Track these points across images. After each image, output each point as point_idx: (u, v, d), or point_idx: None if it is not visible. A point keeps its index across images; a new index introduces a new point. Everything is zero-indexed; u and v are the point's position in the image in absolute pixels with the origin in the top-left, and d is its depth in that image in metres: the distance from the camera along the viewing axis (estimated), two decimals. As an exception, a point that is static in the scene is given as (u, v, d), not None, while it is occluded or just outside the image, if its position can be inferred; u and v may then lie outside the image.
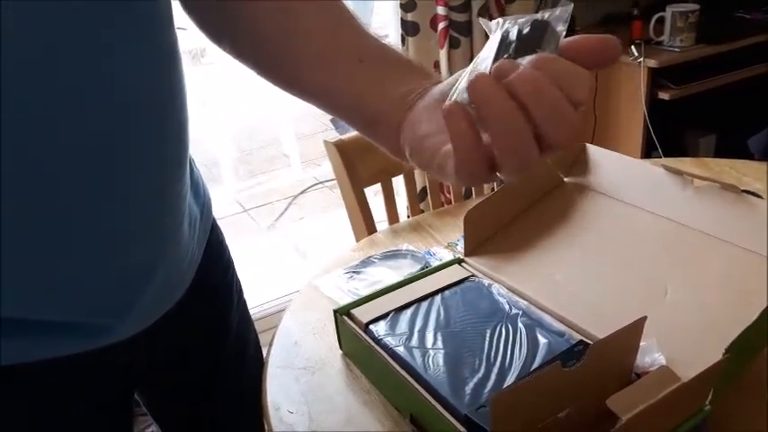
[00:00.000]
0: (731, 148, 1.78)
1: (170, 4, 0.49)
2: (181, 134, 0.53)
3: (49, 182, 0.43)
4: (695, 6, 1.81)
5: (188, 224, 0.61)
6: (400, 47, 1.70)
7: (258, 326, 0.84)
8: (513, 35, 0.36)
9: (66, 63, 0.41)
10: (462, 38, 1.75)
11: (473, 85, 0.34)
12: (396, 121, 0.45)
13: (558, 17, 0.35)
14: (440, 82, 0.44)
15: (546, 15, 0.35)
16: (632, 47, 1.82)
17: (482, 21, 0.40)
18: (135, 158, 0.48)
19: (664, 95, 1.83)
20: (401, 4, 1.72)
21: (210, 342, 0.73)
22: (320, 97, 0.50)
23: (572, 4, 0.35)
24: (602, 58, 0.34)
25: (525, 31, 0.35)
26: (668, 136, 1.90)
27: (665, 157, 1.70)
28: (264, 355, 0.75)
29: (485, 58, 0.37)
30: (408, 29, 1.75)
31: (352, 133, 1.12)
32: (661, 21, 1.83)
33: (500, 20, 0.37)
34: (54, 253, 0.47)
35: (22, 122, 0.40)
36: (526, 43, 0.35)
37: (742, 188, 0.69)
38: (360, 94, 0.48)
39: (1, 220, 0.42)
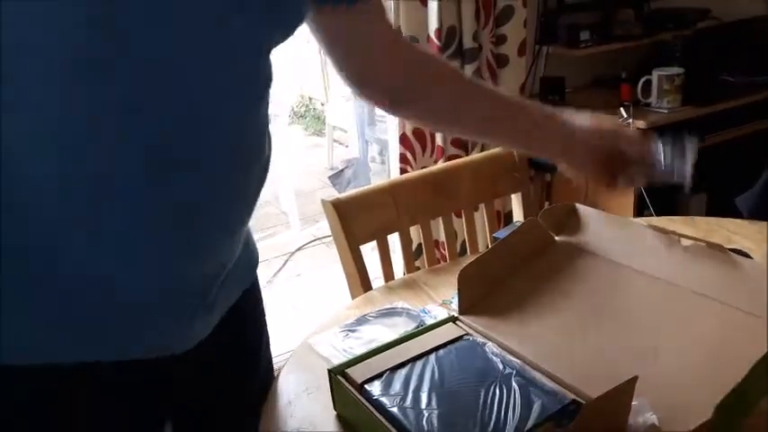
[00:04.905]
0: (722, 206, 1.80)
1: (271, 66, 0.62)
2: (263, 159, 0.64)
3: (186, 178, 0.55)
4: (680, 70, 1.88)
5: (242, 250, 0.69)
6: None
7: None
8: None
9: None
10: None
11: None
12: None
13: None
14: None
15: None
16: (621, 108, 1.88)
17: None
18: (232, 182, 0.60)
19: (654, 155, 1.87)
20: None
21: (239, 382, 0.76)
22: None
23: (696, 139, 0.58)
24: None
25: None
26: (660, 195, 1.93)
27: (657, 215, 1.72)
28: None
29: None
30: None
31: (350, 192, 1.15)
32: (648, 83, 1.89)
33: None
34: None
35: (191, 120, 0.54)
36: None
37: (730, 246, 0.71)
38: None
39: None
